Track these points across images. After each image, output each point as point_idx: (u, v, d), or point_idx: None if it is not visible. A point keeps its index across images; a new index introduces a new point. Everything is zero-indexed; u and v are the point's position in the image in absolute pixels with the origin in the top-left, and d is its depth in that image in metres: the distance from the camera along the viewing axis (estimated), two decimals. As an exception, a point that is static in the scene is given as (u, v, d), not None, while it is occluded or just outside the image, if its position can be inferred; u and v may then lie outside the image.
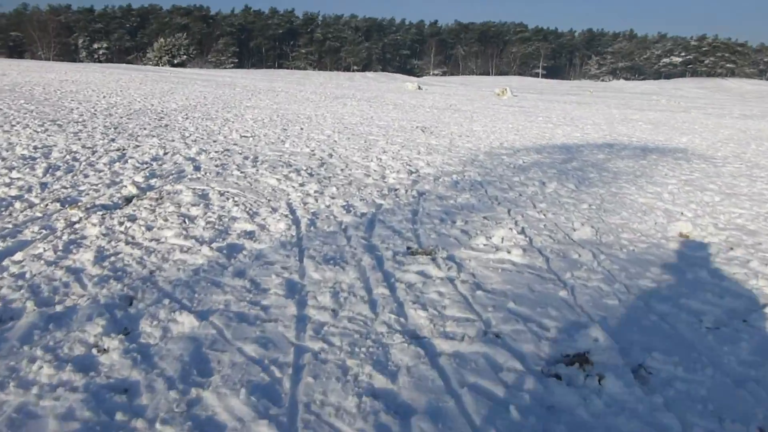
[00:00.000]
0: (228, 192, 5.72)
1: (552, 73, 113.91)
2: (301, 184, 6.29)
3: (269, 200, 5.53)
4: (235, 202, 5.33)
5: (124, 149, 7.63)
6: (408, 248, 4.39)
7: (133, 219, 4.63)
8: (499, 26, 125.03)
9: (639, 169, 9.11)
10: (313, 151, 8.68)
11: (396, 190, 6.38)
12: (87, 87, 17.38)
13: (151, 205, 5.06)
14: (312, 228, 4.73)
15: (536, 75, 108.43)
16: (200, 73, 41.05)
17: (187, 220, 4.68)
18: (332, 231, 4.70)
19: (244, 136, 9.76)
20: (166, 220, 4.65)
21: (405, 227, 4.96)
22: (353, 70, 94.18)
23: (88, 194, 5.33)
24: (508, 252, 4.42)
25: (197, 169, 6.76)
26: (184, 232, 4.37)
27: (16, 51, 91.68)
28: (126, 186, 5.66)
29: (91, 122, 9.99)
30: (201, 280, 3.53)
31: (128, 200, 5.24)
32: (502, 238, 4.76)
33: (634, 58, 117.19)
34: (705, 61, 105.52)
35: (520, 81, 78.42)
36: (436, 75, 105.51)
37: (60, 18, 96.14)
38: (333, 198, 5.79)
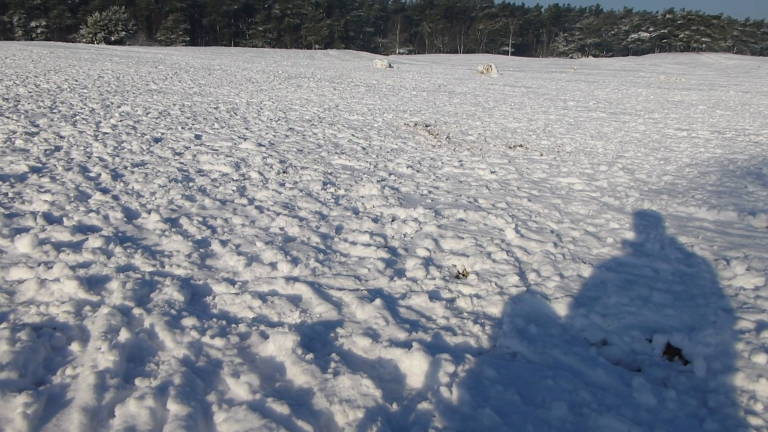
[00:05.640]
0: None
1: (520, 50, 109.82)
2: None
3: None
4: None
5: None
6: None
7: None
8: (464, 1, 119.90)
9: None
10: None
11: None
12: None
13: None
14: None
15: (505, 53, 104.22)
16: (131, 50, 35.32)
17: None
18: None
19: None
20: None
21: None
22: (314, 49, 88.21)
23: None
24: None
25: None
26: None
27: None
28: None
29: None
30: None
31: None
32: None
33: (601, 34, 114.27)
34: (680, 36, 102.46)
35: (491, 59, 73.67)
36: (402, 54, 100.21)
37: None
38: None
